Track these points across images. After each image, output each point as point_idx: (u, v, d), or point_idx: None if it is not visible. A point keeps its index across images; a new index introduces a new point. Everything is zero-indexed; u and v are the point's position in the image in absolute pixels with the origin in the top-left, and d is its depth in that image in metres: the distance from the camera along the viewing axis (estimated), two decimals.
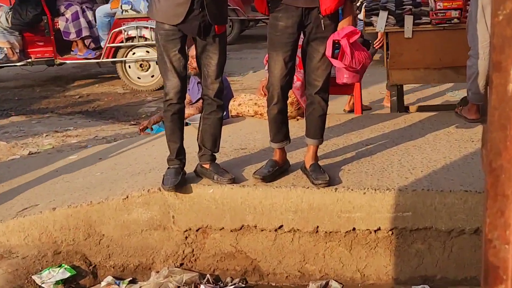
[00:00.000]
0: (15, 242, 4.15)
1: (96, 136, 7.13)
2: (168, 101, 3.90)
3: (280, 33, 3.76)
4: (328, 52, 3.75)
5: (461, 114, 4.96)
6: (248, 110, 5.60)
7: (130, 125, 7.84)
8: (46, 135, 7.32)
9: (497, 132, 0.93)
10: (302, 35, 3.89)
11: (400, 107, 5.75)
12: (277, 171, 4.00)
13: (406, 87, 6.39)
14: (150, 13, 3.87)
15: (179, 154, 4.03)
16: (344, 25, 3.77)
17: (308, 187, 3.85)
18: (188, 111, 5.82)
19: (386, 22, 5.34)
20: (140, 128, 6.22)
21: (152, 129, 6.13)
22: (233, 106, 5.72)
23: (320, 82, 3.85)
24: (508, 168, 0.89)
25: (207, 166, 4.05)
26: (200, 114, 4.15)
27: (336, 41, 3.76)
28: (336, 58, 3.79)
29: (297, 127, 5.01)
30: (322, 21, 3.73)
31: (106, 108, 8.85)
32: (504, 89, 0.94)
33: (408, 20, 5.28)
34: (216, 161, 4.13)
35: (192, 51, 5.57)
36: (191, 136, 4.79)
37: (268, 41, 3.84)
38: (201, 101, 4.19)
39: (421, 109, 5.98)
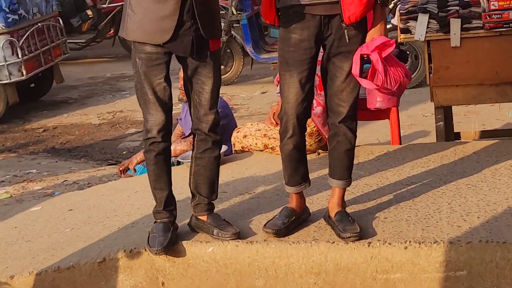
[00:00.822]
0: None
1: (65, 181, 7.15)
2: (150, 139, 3.92)
3: (294, 49, 3.77)
4: (355, 70, 3.76)
5: None
6: (256, 144, 5.61)
7: (107, 165, 7.87)
8: (2, 181, 7.35)
9: None
10: (322, 50, 3.90)
11: (449, 135, 5.72)
12: (293, 222, 3.98)
13: (455, 109, 6.39)
14: (123, 31, 3.88)
15: (168, 205, 4.03)
16: (375, 35, 3.78)
17: (333, 242, 3.83)
18: (180, 146, 5.84)
19: (427, 27, 5.34)
20: (120, 169, 6.24)
21: (135, 170, 6.15)
22: (237, 139, 5.73)
23: (346, 108, 3.85)
24: None
25: (203, 218, 4.04)
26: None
27: (365, 56, 3.77)
28: (366, 77, 3.80)
29: (318, 164, 5.01)
30: (345, 31, 3.74)
31: (78, 144, 8.90)
32: None
33: (455, 24, 5.28)
34: (214, 211, 4.12)
35: (180, 72, 5.60)
36: (183, 178, 4.79)
37: (279, 58, 3.85)
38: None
39: (475, 136, 5.95)
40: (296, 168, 4.02)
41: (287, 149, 3.95)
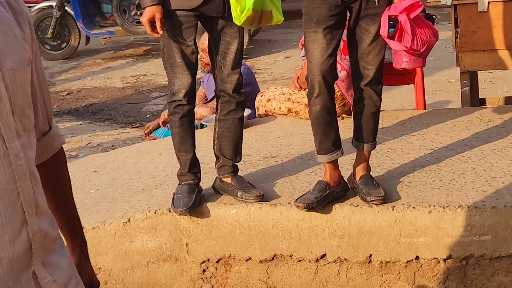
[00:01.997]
0: None
1: (90, 143, 7.20)
2: (176, 102, 3.93)
3: (319, 4, 3.71)
4: (384, 32, 3.71)
5: None
6: (280, 107, 5.59)
7: (131, 128, 7.91)
8: None
9: None
10: (348, 14, 3.85)
11: (474, 100, 5.68)
12: (328, 197, 3.86)
13: (481, 75, 6.32)
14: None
15: (193, 167, 4.04)
16: None
17: (357, 205, 3.83)
18: (201, 111, 5.85)
19: None
20: (145, 131, 6.25)
21: (164, 124, 6.17)
22: (261, 103, 5.72)
23: (372, 70, 3.82)
24: None
25: (228, 180, 4.05)
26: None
27: (393, 17, 3.72)
28: (393, 38, 3.76)
29: (341, 128, 4.98)
30: None
31: (102, 107, 8.94)
32: None
33: None
34: (238, 173, 4.12)
35: (202, 44, 5.58)
36: (207, 142, 4.80)
37: (304, 16, 3.79)
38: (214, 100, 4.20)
39: (502, 102, 5.90)
40: (326, 133, 3.88)
41: (315, 111, 3.84)
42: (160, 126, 6.20)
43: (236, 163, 4.12)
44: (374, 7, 3.73)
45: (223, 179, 4.07)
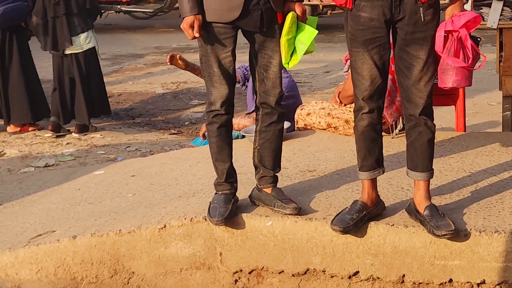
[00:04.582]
0: (25, 276, 4.25)
1: (128, 147, 7.26)
2: (214, 112, 3.96)
3: (363, 27, 3.70)
4: (440, 48, 3.64)
5: None
6: (320, 122, 5.60)
7: (170, 134, 7.96)
8: (67, 143, 7.49)
9: None
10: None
11: None
12: (364, 218, 3.84)
13: None
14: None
15: (229, 177, 4.07)
16: (455, 11, 3.69)
17: (393, 225, 3.82)
18: (243, 121, 5.88)
19: (501, 15, 5.26)
20: (203, 133, 6.20)
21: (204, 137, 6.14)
22: (301, 116, 5.73)
23: (424, 98, 3.74)
24: None
25: (268, 190, 4.08)
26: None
27: (447, 33, 3.65)
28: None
29: None
30: (421, 10, 3.64)
31: (141, 111, 9.01)
32: None
33: None
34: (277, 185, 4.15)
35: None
36: (245, 152, 4.83)
37: (349, 35, 3.78)
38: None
39: None
40: (371, 149, 3.87)
41: (362, 126, 3.82)
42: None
43: (276, 174, 4.14)
44: (420, 30, 3.66)
45: (263, 189, 4.09)
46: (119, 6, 14.96)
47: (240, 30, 3.90)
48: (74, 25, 7.66)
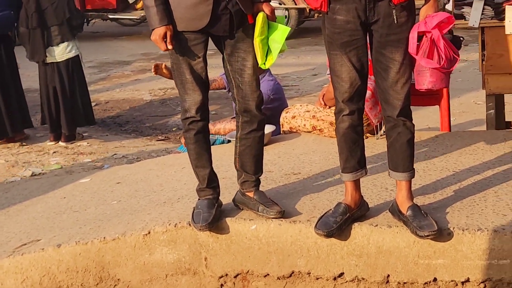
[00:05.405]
0: (10, 286, 4.24)
1: (115, 154, 7.27)
2: (189, 119, 3.97)
3: (339, 30, 3.72)
4: (413, 49, 3.66)
5: None
6: (305, 125, 5.62)
7: (157, 140, 7.96)
8: (54, 152, 7.48)
9: None
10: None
11: (500, 123, 5.67)
12: (348, 220, 3.85)
13: (509, 97, 6.29)
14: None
15: (211, 182, 4.08)
16: (429, 12, 3.69)
17: (376, 225, 3.84)
18: (229, 125, 5.89)
19: (482, 14, 5.29)
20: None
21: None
22: (286, 119, 5.75)
23: (402, 100, 3.75)
24: None
25: (251, 194, 4.09)
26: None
27: (420, 34, 3.66)
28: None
29: (365, 147, 4.99)
30: (394, 12, 3.65)
31: (128, 118, 9.01)
32: None
33: (510, 11, 5.21)
34: (260, 188, 4.15)
35: None
36: (231, 157, 4.82)
37: (327, 38, 3.80)
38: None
39: None
40: (352, 151, 3.89)
41: (343, 128, 3.84)
42: None
43: (259, 177, 4.15)
44: (395, 32, 3.67)
45: (246, 193, 4.10)
46: (106, 14, 14.95)
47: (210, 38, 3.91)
48: (52, 36, 7.68)
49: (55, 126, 7.83)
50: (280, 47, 3.86)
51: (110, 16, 15.00)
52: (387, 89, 3.76)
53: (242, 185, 4.12)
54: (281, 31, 3.88)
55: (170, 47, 3.79)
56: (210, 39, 3.95)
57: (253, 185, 4.11)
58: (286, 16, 12.89)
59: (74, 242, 4.22)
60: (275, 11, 4.02)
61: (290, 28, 3.99)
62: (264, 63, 3.89)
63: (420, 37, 3.71)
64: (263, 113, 4.06)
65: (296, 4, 13.22)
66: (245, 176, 4.11)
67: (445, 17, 3.66)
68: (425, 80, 3.79)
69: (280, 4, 12.84)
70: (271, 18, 3.91)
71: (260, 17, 3.84)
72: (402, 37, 3.68)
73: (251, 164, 4.09)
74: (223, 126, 5.98)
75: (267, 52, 3.89)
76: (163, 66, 5.91)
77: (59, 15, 7.67)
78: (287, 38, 3.96)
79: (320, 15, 3.86)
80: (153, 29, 3.81)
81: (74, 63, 7.82)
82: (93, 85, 10.77)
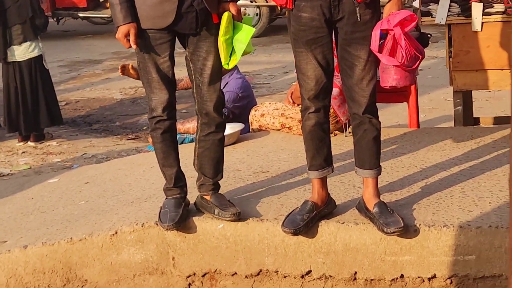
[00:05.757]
0: None
1: (85, 154, 7.24)
2: (156, 118, 3.96)
3: (305, 27, 3.73)
4: (375, 47, 3.67)
5: None
6: (273, 123, 5.62)
7: (127, 139, 7.93)
8: (23, 152, 7.43)
9: None
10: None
11: (467, 119, 5.71)
12: (315, 218, 3.86)
13: (477, 94, 6.34)
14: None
15: (178, 181, 4.07)
16: (393, 10, 3.70)
17: (343, 223, 3.85)
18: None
19: (448, 11, 5.32)
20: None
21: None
22: (255, 117, 5.75)
23: (367, 97, 3.77)
24: None
25: (208, 197, 4.06)
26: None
27: (384, 31, 3.69)
28: (380, 53, 3.71)
29: (334, 145, 5.01)
30: (358, 10, 3.66)
31: (99, 118, 8.97)
32: None
33: (477, 8, 5.25)
34: (219, 191, 4.12)
35: None
36: None
37: (293, 36, 3.82)
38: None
39: (495, 121, 5.92)
40: (319, 148, 3.90)
41: (309, 125, 3.85)
42: None
43: (218, 181, 4.12)
44: (359, 30, 3.69)
45: (204, 197, 4.08)
46: (76, 12, 14.86)
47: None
48: (14, 35, 7.63)
49: (14, 127, 7.79)
50: (244, 48, 3.85)
51: (81, 15, 14.92)
52: (353, 87, 3.78)
53: (200, 188, 4.10)
54: (246, 32, 3.87)
55: (134, 46, 3.78)
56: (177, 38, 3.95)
57: (211, 188, 4.06)
58: (257, 14, 12.87)
59: (40, 243, 4.20)
60: (247, 8, 4.02)
61: (255, 29, 3.98)
62: (228, 63, 3.88)
63: (385, 35, 3.72)
64: (223, 116, 4.05)
65: (267, 2, 13.22)
66: (204, 179, 4.08)
67: (408, 15, 3.67)
68: (389, 78, 3.82)
69: (251, 1, 12.83)
70: (237, 18, 3.90)
71: (225, 17, 3.84)
72: (367, 35, 3.69)
73: (209, 167, 4.06)
74: (193, 125, 5.96)
75: (231, 52, 3.89)
76: (130, 66, 5.89)
77: (22, 14, 7.63)
78: (259, 36, 3.97)
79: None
80: (117, 27, 3.79)
81: (37, 63, 7.78)
82: (63, 85, 10.71)
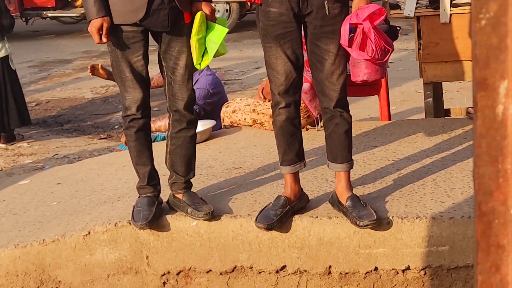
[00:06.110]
0: None
1: (56, 154, 7.19)
2: (130, 117, 3.94)
3: (273, 22, 3.72)
4: (344, 41, 3.66)
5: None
6: (245, 119, 5.62)
7: (99, 139, 7.89)
8: None
9: (486, 167, 0.91)
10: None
11: (438, 111, 5.74)
12: (288, 212, 3.85)
13: (448, 85, 6.37)
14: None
15: (152, 180, 4.05)
16: (361, 4, 3.69)
17: (317, 217, 3.85)
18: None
19: (417, 3, 5.34)
20: (125, 140, 6.13)
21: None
22: (226, 114, 5.74)
23: (338, 91, 3.76)
24: (502, 211, 0.88)
25: (180, 196, 4.04)
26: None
27: (353, 25, 3.69)
28: (350, 47, 3.71)
29: (306, 139, 5.02)
30: (326, 4, 3.66)
31: (70, 118, 8.91)
32: (492, 112, 0.93)
33: (445, 0, 5.28)
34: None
35: None
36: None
37: (261, 31, 3.81)
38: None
39: (464, 112, 5.96)
40: (290, 144, 3.90)
41: (280, 120, 3.84)
42: None
43: (189, 179, 4.10)
44: (328, 24, 3.68)
45: (176, 195, 4.06)
46: (45, 12, 14.77)
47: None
48: None
49: None
50: (216, 48, 3.83)
51: (50, 15, 14.84)
52: (323, 81, 3.78)
53: (172, 186, 4.08)
54: (219, 32, 3.85)
55: (105, 40, 3.76)
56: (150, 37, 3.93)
57: (183, 187, 4.05)
58: (227, 10, 12.86)
59: (13, 245, 4.16)
60: (217, 5, 4.01)
61: (228, 29, 3.96)
62: (200, 64, 3.87)
63: (355, 29, 3.73)
64: (194, 113, 4.03)
65: None
66: (175, 177, 4.06)
67: (377, 8, 3.67)
68: (360, 72, 3.82)
69: None
70: (210, 18, 3.89)
71: (198, 16, 3.82)
72: (336, 29, 3.68)
73: (181, 165, 4.05)
74: (164, 123, 5.93)
75: (204, 52, 3.87)
76: (99, 66, 5.86)
77: None
78: (230, 32, 3.95)
79: None
80: (90, 21, 3.77)
81: (5, 64, 7.73)
82: (33, 85, 10.64)
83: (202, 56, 3.86)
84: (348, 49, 3.69)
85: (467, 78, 5.63)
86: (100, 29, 3.74)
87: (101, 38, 3.76)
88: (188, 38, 3.84)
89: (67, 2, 14.57)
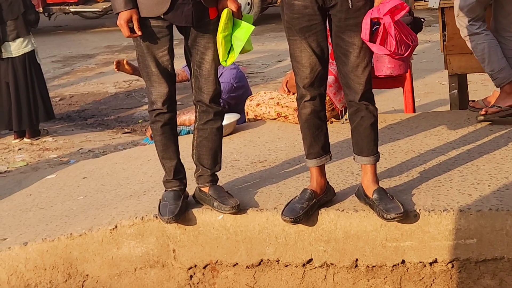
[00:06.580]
0: None
1: (81, 149, 7.21)
2: (156, 111, 3.95)
3: (298, 15, 3.71)
4: (365, 35, 3.65)
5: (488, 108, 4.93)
6: (269, 112, 5.61)
7: (123, 133, 7.92)
8: (19, 149, 7.41)
9: None
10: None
11: (463, 103, 5.70)
12: (314, 206, 3.85)
13: (472, 77, 6.32)
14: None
15: (178, 173, 4.05)
16: None
17: (343, 210, 3.84)
18: (193, 116, 5.85)
19: None
20: (150, 133, 6.15)
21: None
22: (250, 107, 5.74)
23: (363, 84, 3.74)
24: None
25: (206, 189, 4.04)
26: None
27: (374, 20, 3.67)
28: (373, 42, 3.70)
29: (330, 132, 5.00)
30: None
31: (94, 112, 8.95)
32: None
33: None
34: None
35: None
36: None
37: (286, 24, 3.80)
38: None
39: (468, 106, 5.91)
40: (316, 137, 3.88)
41: (305, 113, 3.83)
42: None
43: (215, 172, 4.10)
44: (353, 16, 3.66)
45: (201, 189, 4.06)
46: (67, 7, 14.83)
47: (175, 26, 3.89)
48: (8, 31, 7.64)
49: (5, 124, 7.78)
50: (242, 45, 3.82)
51: (72, 10, 14.90)
52: (348, 74, 3.76)
53: (198, 179, 4.08)
54: (245, 29, 3.84)
55: (139, 33, 3.76)
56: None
57: (209, 180, 4.05)
58: (249, 3, 12.84)
59: (40, 239, 4.18)
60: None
61: (254, 27, 3.95)
62: (226, 61, 3.86)
63: (379, 23, 3.70)
64: (220, 105, 4.04)
65: None
66: (202, 170, 4.06)
67: (398, 3, 3.64)
68: (383, 67, 3.82)
69: None
70: (237, 15, 3.88)
71: (224, 13, 3.81)
72: (360, 22, 3.66)
73: (207, 158, 4.05)
74: (188, 117, 5.94)
75: (230, 49, 3.86)
76: (125, 62, 5.87)
77: (14, 10, 7.64)
78: None
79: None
80: (117, 13, 3.77)
81: (31, 58, 7.79)
82: (57, 80, 10.69)
83: (228, 53, 3.85)
84: (368, 43, 3.67)
85: None
86: (129, 21, 3.74)
87: (130, 31, 3.77)
88: (214, 34, 3.84)
89: None
